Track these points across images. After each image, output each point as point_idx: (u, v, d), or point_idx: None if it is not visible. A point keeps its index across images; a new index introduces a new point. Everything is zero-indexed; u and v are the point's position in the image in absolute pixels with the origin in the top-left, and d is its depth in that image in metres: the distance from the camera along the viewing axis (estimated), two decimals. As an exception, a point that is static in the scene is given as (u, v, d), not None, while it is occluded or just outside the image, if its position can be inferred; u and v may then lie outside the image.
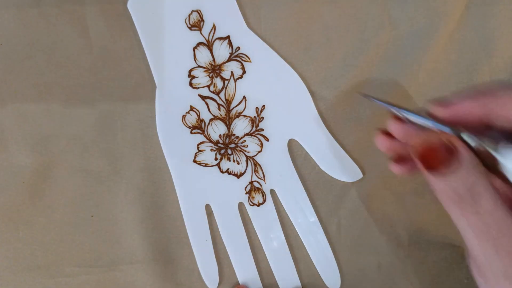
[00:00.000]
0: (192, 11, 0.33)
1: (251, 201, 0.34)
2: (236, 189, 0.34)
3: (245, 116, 0.34)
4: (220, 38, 0.33)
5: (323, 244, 0.34)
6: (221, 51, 0.33)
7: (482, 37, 0.34)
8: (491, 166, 0.19)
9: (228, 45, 0.33)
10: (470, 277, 0.34)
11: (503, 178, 0.19)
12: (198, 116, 0.33)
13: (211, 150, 0.33)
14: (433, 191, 0.21)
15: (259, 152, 0.34)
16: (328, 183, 0.34)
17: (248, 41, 0.33)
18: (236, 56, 0.33)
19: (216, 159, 0.33)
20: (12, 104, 0.32)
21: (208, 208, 0.33)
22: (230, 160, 0.33)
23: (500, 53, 0.34)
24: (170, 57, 0.33)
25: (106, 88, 0.33)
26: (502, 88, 0.21)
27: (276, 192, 0.34)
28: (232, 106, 0.33)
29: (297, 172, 0.34)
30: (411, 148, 0.21)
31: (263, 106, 0.33)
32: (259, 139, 0.34)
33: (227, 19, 0.33)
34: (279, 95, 0.33)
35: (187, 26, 0.33)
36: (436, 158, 0.20)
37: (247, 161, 0.34)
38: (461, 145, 0.20)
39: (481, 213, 0.20)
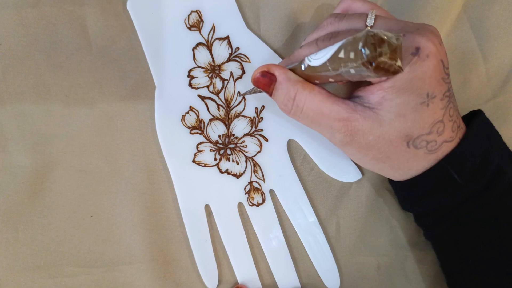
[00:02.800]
0: (192, 11, 0.33)
1: (250, 201, 0.34)
2: (236, 189, 0.34)
3: (245, 116, 0.34)
4: (219, 38, 0.33)
5: (322, 244, 0.34)
6: (221, 51, 0.33)
7: (478, 37, 0.34)
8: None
9: (228, 45, 0.33)
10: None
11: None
12: (198, 116, 0.33)
13: (211, 150, 0.33)
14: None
15: (258, 152, 0.34)
16: (327, 183, 0.34)
17: (247, 41, 0.33)
18: (236, 56, 0.33)
19: (215, 159, 0.33)
20: (12, 104, 0.32)
21: (207, 208, 0.33)
22: (229, 160, 0.33)
23: (496, 53, 0.34)
24: (170, 57, 0.33)
25: (105, 88, 0.33)
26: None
27: (276, 192, 0.34)
28: (231, 106, 0.33)
29: (296, 172, 0.34)
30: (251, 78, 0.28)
31: (263, 106, 0.33)
32: (258, 139, 0.34)
33: (226, 19, 0.33)
34: (279, 95, 0.33)
35: (187, 26, 0.33)
36: (260, 82, 0.28)
37: (246, 161, 0.34)
38: (278, 69, 0.27)
39: (305, 113, 0.27)
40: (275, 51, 0.33)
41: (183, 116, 0.33)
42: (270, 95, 0.28)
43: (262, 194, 0.34)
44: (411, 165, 0.27)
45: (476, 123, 0.28)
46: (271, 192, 0.34)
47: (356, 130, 0.26)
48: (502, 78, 0.35)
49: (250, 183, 0.34)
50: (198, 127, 0.33)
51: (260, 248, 0.34)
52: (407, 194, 0.30)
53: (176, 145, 0.33)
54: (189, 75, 0.33)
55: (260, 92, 0.29)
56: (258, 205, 0.34)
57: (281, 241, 0.34)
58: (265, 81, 0.27)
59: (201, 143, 0.33)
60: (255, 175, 0.34)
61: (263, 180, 0.34)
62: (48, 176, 0.33)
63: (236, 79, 0.33)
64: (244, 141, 0.34)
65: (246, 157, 0.34)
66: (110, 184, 0.33)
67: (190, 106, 0.33)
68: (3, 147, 0.32)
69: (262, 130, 0.34)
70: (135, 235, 0.33)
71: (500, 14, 0.34)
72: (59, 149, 0.33)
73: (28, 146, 0.32)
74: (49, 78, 0.32)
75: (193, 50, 0.33)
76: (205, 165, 0.33)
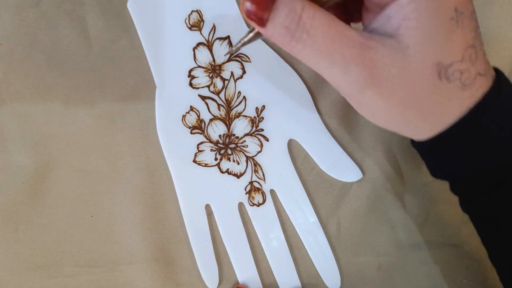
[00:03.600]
0: (192, 11, 0.33)
1: (251, 201, 0.34)
2: (236, 189, 0.34)
3: (245, 116, 0.34)
4: (220, 38, 0.33)
5: (323, 244, 0.34)
6: (221, 51, 0.33)
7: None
8: None
9: (228, 45, 0.33)
10: (469, 277, 0.34)
11: None
12: (198, 116, 0.33)
13: (211, 150, 0.33)
14: (270, 40, 0.22)
15: (259, 152, 0.34)
16: (328, 183, 0.34)
17: (248, 41, 0.33)
18: (236, 56, 0.33)
19: (216, 159, 0.33)
20: (12, 104, 0.32)
21: (208, 208, 0.33)
22: (230, 160, 0.33)
23: (497, 53, 0.34)
24: (170, 57, 0.33)
25: (105, 88, 0.33)
26: None
27: (276, 192, 0.34)
28: (232, 106, 0.33)
29: (297, 172, 0.34)
30: (240, 7, 0.21)
31: (263, 106, 0.33)
32: (259, 139, 0.34)
33: (227, 19, 0.33)
34: (279, 95, 0.33)
35: (187, 26, 0.33)
36: (254, 5, 0.21)
37: (247, 161, 0.34)
38: None
39: (313, 36, 0.21)
40: (275, 50, 0.33)
41: (184, 116, 0.33)
42: (264, 24, 0.21)
43: (263, 194, 0.34)
44: (444, 107, 0.22)
45: (503, 75, 0.23)
46: (272, 192, 0.34)
47: (375, 62, 0.21)
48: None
49: (251, 183, 0.34)
50: (199, 127, 0.33)
51: (260, 248, 0.34)
52: (437, 156, 0.25)
53: (176, 145, 0.33)
54: (189, 75, 0.33)
55: (249, 41, 0.25)
56: (258, 205, 0.34)
57: (282, 241, 0.34)
58: (261, 2, 0.21)
59: (201, 143, 0.33)
60: (256, 175, 0.34)
61: (264, 180, 0.34)
62: (48, 176, 0.33)
63: (237, 79, 0.33)
64: (244, 141, 0.34)
65: (247, 157, 0.34)
66: (110, 184, 0.33)
67: (191, 106, 0.33)
68: (4, 147, 0.32)
69: (262, 130, 0.34)
70: (136, 235, 0.33)
71: (500, 14, 0.34)
72: (60, 149, 0.33)
73: (29, 146, 0.32)
74: (49, 78, 0.32)
75: (193, 50, 0.33)
76: (206, 165, 0.33)
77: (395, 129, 0.24)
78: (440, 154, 0.24)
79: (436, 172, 0.26)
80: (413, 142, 0.26)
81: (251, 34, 0.25)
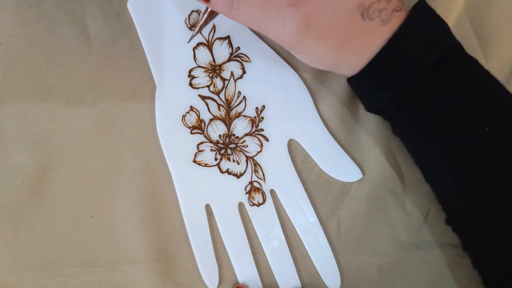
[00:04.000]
0: (192, 11, 0.33)
1: (251, 201, 0.34)
2: (236, 189, 0.34)
3: (245, 116, 0.34)
4: (220, 38, 0.33)
5: (323, 244, 0.34)
6: (221, 51, 0.33)
7: (479, 38, 0.34)
8: None
9: (228, 45, 0.33)
10: (469, 277, 0.34)
11: None
12: (198, 116, 0.33)
13: (211, 150, 0.33)
14: (216, 10, 0.26)
15: (259, 152, 0.34)
16: (328, 183, 0.34)
17: (248, 41, 0.33)
18: (236, 56, 0.33)
19: (216, 159, 0.33)
20: (12, 104, 0.32)
21: (208, 208, 0.33)
22: (230, 160, 0.33)
23: (497, 53, 0.34)
24: (170, 57, 0.33)
25: (106, 88, 0.33)
26: None
27: (276, 192, 0.34)
28: (232, 106, 0.33)
29: (297, 172, 0.34)
30: None
31: (263, 106, 0.33)
32: (259, 139, 0.34)
33: (227, 19, 0.33)
34: (279, 95, 0.33)
35: (187, 26, 0.33)
36: None
37: (247, 161, 0.34)
38: None
39: (250, 2, 0.25)
40: (275, 50, 0.33)
41: (184, 116, 0.33)
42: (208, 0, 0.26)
43: (263, 194, 0.34)
44: (370, 42, 0.26)
45: (420, 2, 0.27)
46: (272, 192, 0.34)
47: (309, 14, 0.25)
48: (503, 78, 0.34)
49: (251, 183, 0.34)
50: (199, 127, 0.33)
51: (260, 248, 0.34)
52: (368, 87, 0.29)
53: (176, 145, 0.33)
54: (189, 75, 0.33)
55: (205, 23, 0.29)
56: (258, 205, 0.34)
57: (282, 241, 0.34)
58: None
59: (201, 143, 0.33)
60: (256, 175, 0.34)
61: (264, 180, 0.34)
62: (48, 176, 0.33)
63: (237, 79, 0.33)
64: (244, 141, 0.34)
65: (247, 157, 0.34)
66: (110, 184, 0.33)
67: (191, 106, 0.33)
68: (4, 147, 0.32)
69: (262, 130, 0.34)
70: (136, 235, 0.33)
71: (501, 14, 0.34)
72: (60, 149, 0.33)
73: (29, 146, 0.32)
74: (49, 78, 0.32)
75: (193, 50, 0.33)
76: (206, 165, 0.33)
77: (332, 68, 0.29)
78: (369, 83, 0.28)
79: (369, 104, 0.30)
80: (348, 79, 0.29)
81: (205, 15, 0.28)
